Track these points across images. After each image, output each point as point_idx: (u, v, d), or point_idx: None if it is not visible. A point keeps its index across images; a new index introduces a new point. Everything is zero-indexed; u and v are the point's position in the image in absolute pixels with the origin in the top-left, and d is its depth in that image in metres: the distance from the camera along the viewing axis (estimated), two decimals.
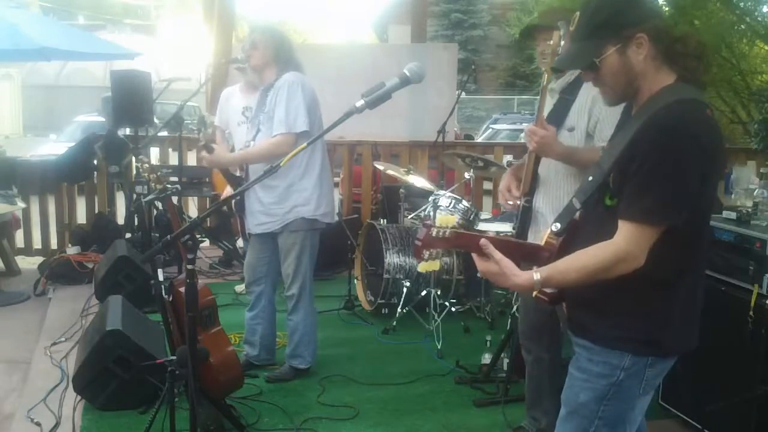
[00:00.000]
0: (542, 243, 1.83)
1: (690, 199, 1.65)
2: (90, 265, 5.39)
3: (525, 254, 1.73)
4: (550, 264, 1.70)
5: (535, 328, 2.92)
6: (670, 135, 1.61)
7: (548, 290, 1.78)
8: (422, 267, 1.70)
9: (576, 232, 1.82)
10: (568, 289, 1.80)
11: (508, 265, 1.67)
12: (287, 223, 3.47)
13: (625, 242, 1.64)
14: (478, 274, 1.76)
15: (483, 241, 1.67)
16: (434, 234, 1.65)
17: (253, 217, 3.55)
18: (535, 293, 1.81)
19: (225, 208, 5.40)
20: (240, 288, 5.23)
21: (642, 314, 1.75)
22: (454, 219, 1.69)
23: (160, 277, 2.76)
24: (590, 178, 1.80)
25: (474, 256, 1.72)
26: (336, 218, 3.81)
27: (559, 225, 1.81)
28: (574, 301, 1.83)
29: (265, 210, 3.48)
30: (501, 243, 1.70)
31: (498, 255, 1.67)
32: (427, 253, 1.67)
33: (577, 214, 1.84)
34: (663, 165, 1.61)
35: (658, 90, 1.72)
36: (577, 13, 1.77)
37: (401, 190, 5.07)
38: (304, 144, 2.24)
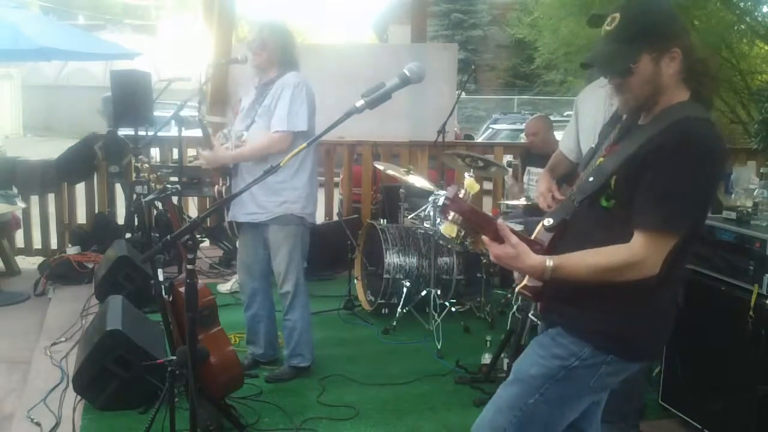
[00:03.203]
0: (533, 237, 1.85)
1: (700, 212, 1.71)
2: (90, 265, 5.39)
3: None
4: (564, 255, 1.73)
5: None
6: (691, 149, 1.65)
7: (531, 284, 1.81)
8: (444, 228, 1.75)
9: (565, 230, 1.84)
10: (553, 284, 1.80)
11: (524, 248, 1.71)
12: (277, 217, 3.46)
13: (640, 248, 1.66)
14: (492, 258, 1.78)
15: (501, 223, 1.70)
16: (461, 195, 1.69)
17: (242, 205, 3.50)
18: (518, 287, 1.85)
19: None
20: (224, 287, 5.22)
21: (615, 311, 1.77)
22: (478, 187, 1.75)
23: (160, 277, 2.76)
24: (591, 179, 1.81)
25: (485, 239, 1.73)
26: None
27: (551, 220, 1.83)
28: (555, 295, 1.84)
29: (254, 200, 3.45)
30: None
31: (514, 238, 1.70)
32: (452, 214, 1.69)
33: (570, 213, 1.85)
34: (682, 177, 1.64)
35: (673, 105, 1.75)
36: (617, 15, 1.76)
37: (401, 190, 5.06)
38: (304, 144, 2.25)
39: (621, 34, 1.75)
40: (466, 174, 1.77)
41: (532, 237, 1.85)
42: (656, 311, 1.80)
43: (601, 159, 1.87)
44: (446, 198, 1.69)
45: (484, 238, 1.74)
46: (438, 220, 4.30)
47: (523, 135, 15.03)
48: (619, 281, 1.68)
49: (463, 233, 4.20)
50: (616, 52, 1.75)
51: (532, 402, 1.86)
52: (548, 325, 1.94)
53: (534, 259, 1.71)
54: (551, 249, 1.80)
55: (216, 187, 3.54)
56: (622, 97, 1.81)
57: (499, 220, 1.72)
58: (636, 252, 1.67)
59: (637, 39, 1.72)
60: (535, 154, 4.86)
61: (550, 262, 1.70)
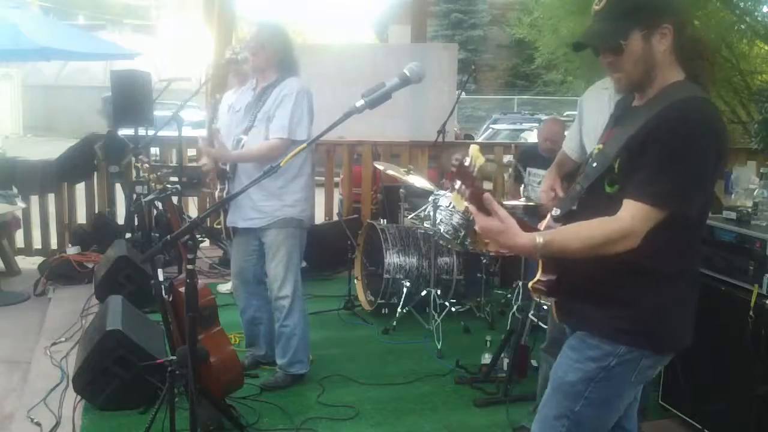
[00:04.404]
0: (542, 228, 1.83)
1: (701, 191, 1.69)
2: (90, 265, 5.39)
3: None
4: (554, 230, 1.71)
5: (565, 334, 2.91)
6: (693, 127, 1.64)
7: (545, 278, 1.77)
8: (453, 198, 1.71)
9: (573, 218, 1.82)
10: (567, 279, 1.79)
11: (512, 224, 1.66)
12: (276, 221, 3.43)
13: (632, 220, 1.65)
14: (478, 232, 1.71)
15: (487, 195, 1.66)
16: (467, 164, 1.64)
17: (241, 211, 3.47)
18: (531, 283, 1.81)
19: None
20: (224, 288, 5.22)
21: (643, 307, 1.75)
22: (483, 159, 1.70)
23: (160, 277, 2.76)
24: (594, 165, 1.80)
25: (473, 209, 1.68)
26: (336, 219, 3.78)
27: (559, 210, 1.82)
28: (573, 291, 1.82)
29: (253, 205, 3.42)
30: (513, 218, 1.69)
31: (503, 212, 1.66)
32: (458, 183, 1.64)
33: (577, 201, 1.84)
34: (683, 154, 1.63)
35: (670, 84, 1.74)
36: None
37: (401, 190, 5.07)
38: (305, 144, 2.25)
39: (610, 11, 1.74)
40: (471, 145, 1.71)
41: (542, 229, 1.83)
42: (680, 300, 1.78)
43: (600, 146, 1.85)
44: (453, 165, 1.64)
45: (474, 210, 1.68)
46: (438, 219, 4.30)
47: (522, 135, 14.99)
48: (608, 254, 1.65)
49: (462, 233, 4.22)
50: (605, 30, 1.74)
51: (578, 409, 1.83)
52: (571, 327, 1.91)
53: (523, 237, 1.66)
54: None
55: (216, 192, 3.51)
56: (614, 76, 1.79)
57: (486, 193, 1.67)
58: (627, 223, 1.64)
59: (626, 15, 1.71)
60: (539, 155, 4.84)
61: (540, 238, 1.66)
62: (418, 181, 4.77)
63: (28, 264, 6.05)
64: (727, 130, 1.75)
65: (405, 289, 4.58)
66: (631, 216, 1.65)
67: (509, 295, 4.79)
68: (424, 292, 4.55)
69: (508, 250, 1.72)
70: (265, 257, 3.55)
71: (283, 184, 3.40)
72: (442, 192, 4.45)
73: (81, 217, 6.33)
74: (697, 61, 1.76)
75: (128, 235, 5.58)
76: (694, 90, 1.72)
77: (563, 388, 1.86)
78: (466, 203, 1.67)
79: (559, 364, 1.91)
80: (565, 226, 1.72)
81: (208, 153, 3.42)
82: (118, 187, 6.18)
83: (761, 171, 3.26)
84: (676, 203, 1.65)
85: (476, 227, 1.70)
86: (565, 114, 15.90)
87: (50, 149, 8.23)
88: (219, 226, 4.69)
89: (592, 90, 3.08)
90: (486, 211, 1.66)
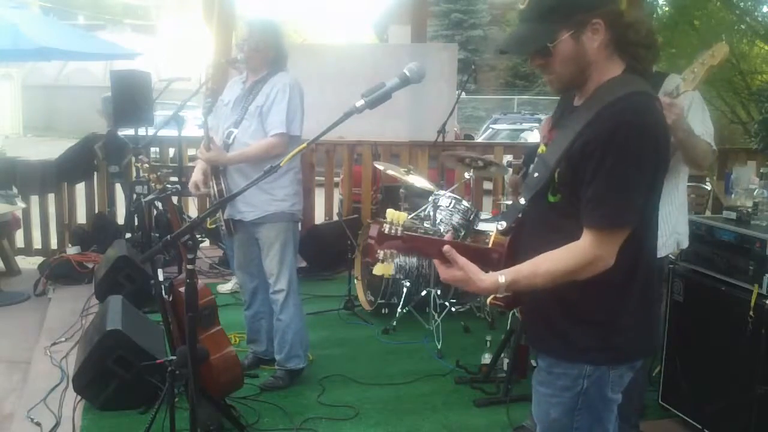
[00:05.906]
0: (490, 244, 1.78)
1: (646, 196, 1.62)
2: (90, 265, 5.39)
3: (476, 257, 1.67)
4: (515, 267, 1.66)
5: None
6: (628, 132, 1.55)
7: (501, 295, 1.72)
8: (377, 269, 1.66)
9: (521, 230, 1.77)
10: (524, 296, 1.75)
11: (473, 269, 1.62)
12: (268, 215, 3.45)
13: (591, 247, 1.60)
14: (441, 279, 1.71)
15: (447, 247, 1.61)
16: (387, 231, 1.58)
17: (235, 205, 3.49)
18: (490, 299, 1.77)
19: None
20: (224, 288, 5.22)
21: (596, 321, 1.70)
22: (405, 216, 1.62)
23: (160, 277, 2.76)
24: (535, 175, 1.73)
25: (435, 262, 1.66)
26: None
27: (504, 223, 1.76)
28: (530, 310, 1.79)
29: (244, 199, 3.41)
30: (457, 247, 1.64)
31: (462, 260, 1.62)
32: (381, 253, 1.62)
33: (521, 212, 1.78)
34: (623, 165, 1.56)
35: (606, 81, 1.65)
36: None
37: (401, 190, 5.06)
38: (304, 144, 2.25)
39: (534, 12, 1.63)
40: (388, 210, 1.63)
41: (490, 245, 1.77)
42: (635, 307, 1.71)
43: (543, 148, 1.78)
44: (370, 238, 1.61)
45: (435, 261, 1.66)
46: (438, 218, 4.29)
47: (522, 135, 14.99)
48: (578, 280, 1.62)
49: (462, 233, 4.22)
50: (531, 33, 1.64)
51: None
52: (537, 350, 1.88)
53: (485, 281, 1.62)
54: (510, 253, 1.72)
55: (217, 187, 3.52)
56: (547, 78, 1.71)
57: (446, 246, 1.62)
58: (588, 252, 1.60)
59: (551, 16, 1.60)
60: None
61: (502, 278, 1.62)
62: (418, 181, 4.77)
63: (28, 264, 6.05)
64: (665, 122, 1.66)
65: (405, 289, 4.58)
66: (589, 243, 1.60)
67: (509, 295, 4.78)
68: (424, 292, 4.54)
69: (476, 293, 1.68)
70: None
71: (273, 179, 3.37)
72: (442, 192, 4.45)
73: (81, 217, 6.33)
74: (637, 49, 1.65)
75: (128, 235, 5.58)
76: (630, 84, 1.63)
77: (552, 426, 1.82)
78: (394, 264, 1.64)
79: (537, 402, 1.86)
80: (525, 262, 1.66)
81: (207, 158, 3.41)
82: (118, 187, 6.18)
83: (761, 171, 3.26)
84: (626, 219, 1.60)
85: (441, 279, 1.68)
86: None
87: (50, 149, 8.24)
88: (213, 226, 4.69)
89: None
90: (447, 261, 1.63)
